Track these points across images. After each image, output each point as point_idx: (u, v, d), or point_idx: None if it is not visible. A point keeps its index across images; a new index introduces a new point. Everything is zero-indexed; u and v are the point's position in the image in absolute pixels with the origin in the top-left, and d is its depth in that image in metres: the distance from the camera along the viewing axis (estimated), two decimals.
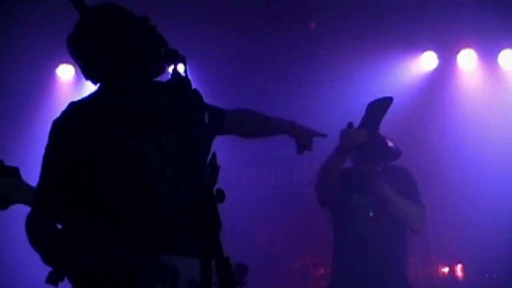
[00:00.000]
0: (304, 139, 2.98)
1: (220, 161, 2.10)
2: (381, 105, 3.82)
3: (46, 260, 2.13)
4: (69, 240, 2.10)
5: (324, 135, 3.10)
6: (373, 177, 3.85)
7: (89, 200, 2.19)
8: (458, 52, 6.32)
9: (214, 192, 1.84)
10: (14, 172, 2.06)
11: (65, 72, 6.15)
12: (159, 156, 2.23)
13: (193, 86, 1.99)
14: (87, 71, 2.32)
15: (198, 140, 1.91)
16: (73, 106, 2.26)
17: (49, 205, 2.17)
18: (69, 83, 6.16)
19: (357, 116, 3.91)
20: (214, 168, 1.98)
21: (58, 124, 2.23)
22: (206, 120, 2.32)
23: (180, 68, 2.02)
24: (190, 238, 2.15)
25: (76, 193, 2.18)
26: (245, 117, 2.80)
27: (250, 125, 2.82)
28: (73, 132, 2.19)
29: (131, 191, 2.19)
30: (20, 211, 2.32)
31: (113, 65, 2.27)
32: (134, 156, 2.19)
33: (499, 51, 6.27)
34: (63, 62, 6.07)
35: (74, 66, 6.04)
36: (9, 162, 2.62)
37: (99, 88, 2.35)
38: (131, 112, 2.27)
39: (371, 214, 3.87)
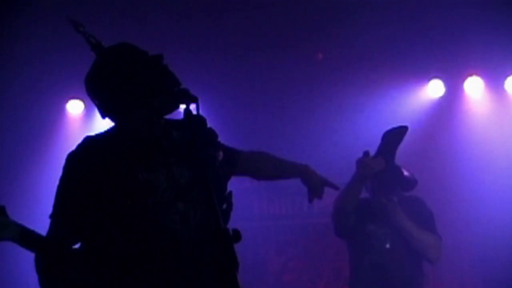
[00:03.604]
0: (315, 186, 2.95)
1: (231, 190, 2.12)
2: (397, 134, 3.83)
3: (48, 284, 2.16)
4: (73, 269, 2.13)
5: (336, 187, 3.08)
6: (390, 207, 3.85)
7: (100, 231, 2.22)
8: (464, 79, 6.33)
9: (231, 231, 1.86)
10: (1, 210, 2.09)
11: (75, 107, 6.24)
12: (171, 188, 2.25)
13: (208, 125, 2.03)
14: (104, 109, 2.36)
15: (211, 176, 1.93)
16: (88, 140, 2.33)
17: (61, 238, 2.21)
18: (78, 117, 6.26)
19: (366, 144, 3.92)
20: (228, 205, 1.99)
21: (73, 156, 2.29)
22: (220, 158, 2.35)
23: (192, 107, 2.06)
24: (200, 274, 2.17)
25: (88, 222, 2.22)
26: (260, 159, 2.81)
27: (265, 167, 2.82)
28: (87, 164, 2.25)
29: (142, 223, 2.20)
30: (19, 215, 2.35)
31: (127, 103, 2.30)
32: (144, 187, 2.22)
33: (505, 77, 6.28)
34: (73, 97, 6.15)
35: (84, 101, 6.13)
36: (21, 195, 2.63)
37: (114, 124, 2.39)
38: (143, 144, 2.31)
39: (387, 244, 3.87)
